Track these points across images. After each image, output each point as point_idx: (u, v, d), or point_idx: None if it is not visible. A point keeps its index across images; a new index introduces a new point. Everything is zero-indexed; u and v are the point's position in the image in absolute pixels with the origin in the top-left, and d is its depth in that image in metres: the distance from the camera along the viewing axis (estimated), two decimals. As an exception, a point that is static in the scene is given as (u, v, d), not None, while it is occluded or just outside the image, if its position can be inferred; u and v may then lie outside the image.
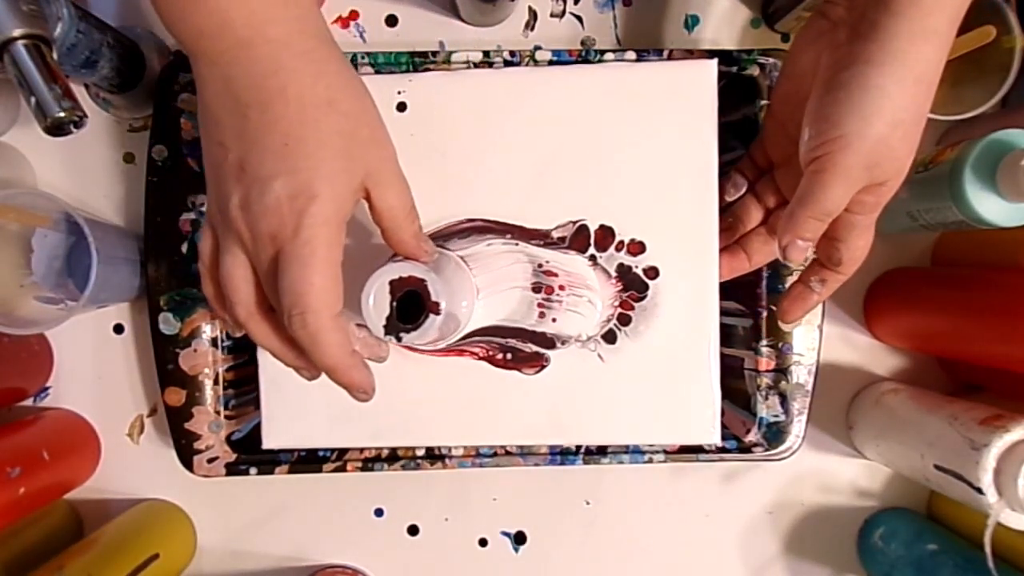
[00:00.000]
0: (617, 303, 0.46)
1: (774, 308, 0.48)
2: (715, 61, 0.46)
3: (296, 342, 0.35)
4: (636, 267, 0.46)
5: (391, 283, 0.38)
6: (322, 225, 0.33)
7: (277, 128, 0.33)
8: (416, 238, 0.38)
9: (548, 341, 0.46)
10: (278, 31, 0.33)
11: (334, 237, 0.34)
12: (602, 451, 0.48)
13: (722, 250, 0.45)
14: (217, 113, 0.34)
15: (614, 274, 0.46)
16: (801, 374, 0.48)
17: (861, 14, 0.34)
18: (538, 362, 0.46)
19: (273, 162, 0.33)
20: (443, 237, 0.46)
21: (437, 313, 0.38)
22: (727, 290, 0.49)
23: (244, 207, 0.34)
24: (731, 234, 0.46)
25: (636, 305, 0.46)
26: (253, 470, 0.48)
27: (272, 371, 0.47)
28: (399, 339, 0.39)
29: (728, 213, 0.46)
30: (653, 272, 0.46)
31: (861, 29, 0.34)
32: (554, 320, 0.46)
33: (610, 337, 0.46)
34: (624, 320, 0.46)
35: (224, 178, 0.34)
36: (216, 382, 0.48)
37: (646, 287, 0.46)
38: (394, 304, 0.38)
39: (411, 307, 0.38)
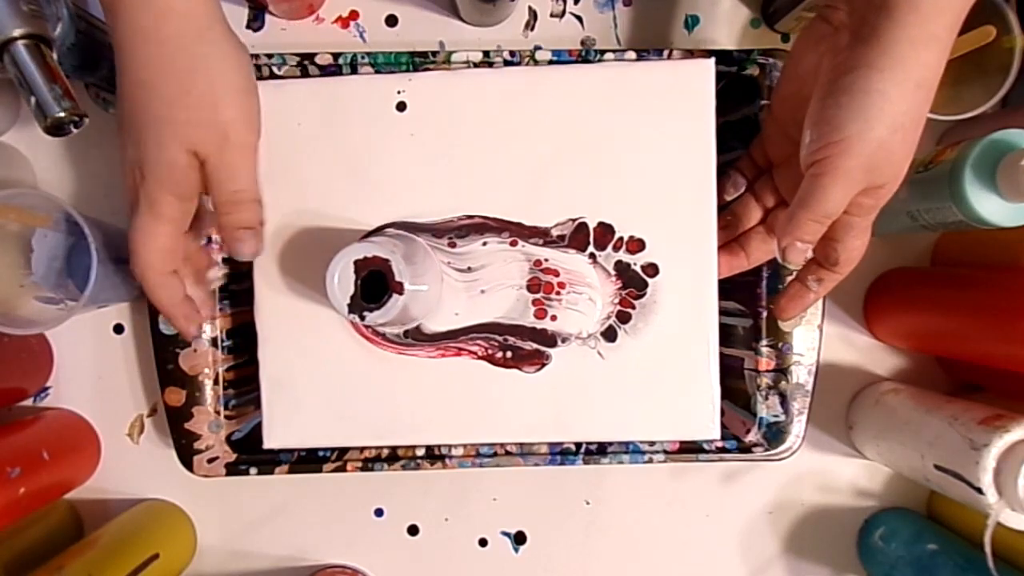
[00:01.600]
0: (617, 301, 0.46)
1: (773, 307, 0.48)
2: (712, 60, 0.46)
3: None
4: (635, 264, 0.46)
5: (355, 263, 0.39)
6: (143, 199, 0.37)
7: (123, 102, 0.36)
8: (232, 228, 0.40)
9: (549, 339, 0.46)
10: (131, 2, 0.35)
11: (158, 208, 0.37)
12: (602, 451, 0.48)
13: (721, 248, 0.46)
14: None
15: (613, 272, 0.46)
16: (801, 374, 0.48)
17: (862, 19, 0.35)
18: (538, 360, 0.46)
19: (123, 132, 0.37)
20: (441, 233, 0.46)
21: (400, 293, 0.39)
22: (727, 290, 0.49)
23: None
24: (730, 232, 0.46)
25: (635, 303, 0.46)
26: (253, 470, 0.48)
27: (273, 371, 0.47)
28: (362, 318, 0.39)
29: (727, 211, 0.46)
30: (652, 270, 0.46)
31: (862, 34, 0.34)
32: (554, 318, 0.46)
33: (610, 334, 0.46)
34: (624, 317, 0.46)
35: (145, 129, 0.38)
36: (216, 382, 0.48)
37: (645, 285, 0.46)
38: (358, 283, 0.39)
39: (376, 288, 0.40)
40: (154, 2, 0.34)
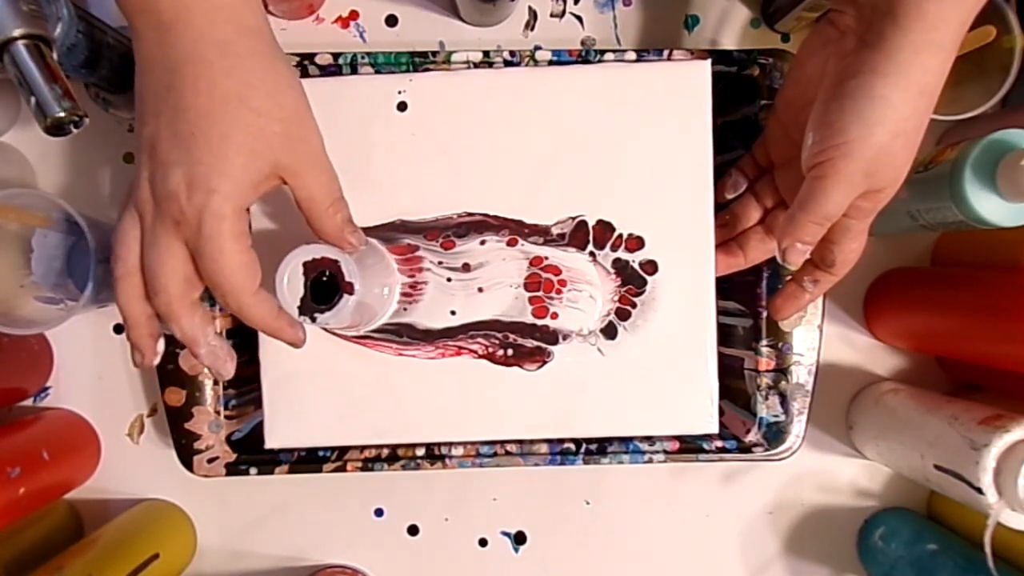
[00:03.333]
0: (616, 298, 0.46)
1: (768, 307, 0.48)
2: (708, 62, 0.46)
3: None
4: (634, 262, 0.46)
5: (304, 264, 0.39)
6: (221, 221, 0.34)
7: (186, 116, 0.34)
8: (338, 229, 0.39)
9: (551, 336, 0.47)
10: (200, 20, 0.34)
11: (236, 228, 0.35)
12: (602, 451, 0.48)
13: (718, 247, 0.46)
14: (141, 88, 0.35)
15: (612, 269, 0.46)
16: (801, 374, 0.48)
17: (868, 24, 0.35)
18: (540, 357, 0.47)
19: (178, 150, 0.34)
20: (437, 233, 0.46)
21: (351, 293, 0.39)
22: (727, 290, 0.49)
23: (151, 184, 0.35)
24: (728, 231, 0.46)
25: (635, 300, 0.46)
26: (253, 470, 0.48)
27: (275, 371, 0.47)
28: (314, 320, 0.39)
29: (726, 211, 0.46)
30: (651, 267, 0.46)
31: (868, 39, 0.35)
32: (556, 315, 0.46)
33: (610, 332, 0.46)
34: (623, 315, 0.46)
35: (140, 151, 0.36)
36: (216, 382, 0.48)
37: (644, 282, 0.46)
38: (308, 285, 0.39)
39: (329, 290, 0.39)
40: (233, 18, 0.34)
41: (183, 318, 0.37)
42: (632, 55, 0.47)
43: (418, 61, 0.47)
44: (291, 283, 0.39)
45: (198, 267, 0.36)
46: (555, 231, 0.46)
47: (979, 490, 0.40)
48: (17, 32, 0.35)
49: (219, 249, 0.34)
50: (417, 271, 0.46)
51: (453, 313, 0.46)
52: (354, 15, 0.52)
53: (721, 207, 0.46)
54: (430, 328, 0.46)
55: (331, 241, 0.39)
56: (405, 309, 0.46)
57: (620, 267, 0.46)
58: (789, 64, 0.41)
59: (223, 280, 0.35)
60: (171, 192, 0.34)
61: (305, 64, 0.47)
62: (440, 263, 0.46)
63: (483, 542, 0.54)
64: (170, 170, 0.34)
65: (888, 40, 0.34)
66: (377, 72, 0.47)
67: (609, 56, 0.47)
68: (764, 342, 0.48)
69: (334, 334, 0.46)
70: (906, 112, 0.34)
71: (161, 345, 0.39)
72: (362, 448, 0.48)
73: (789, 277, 0.43)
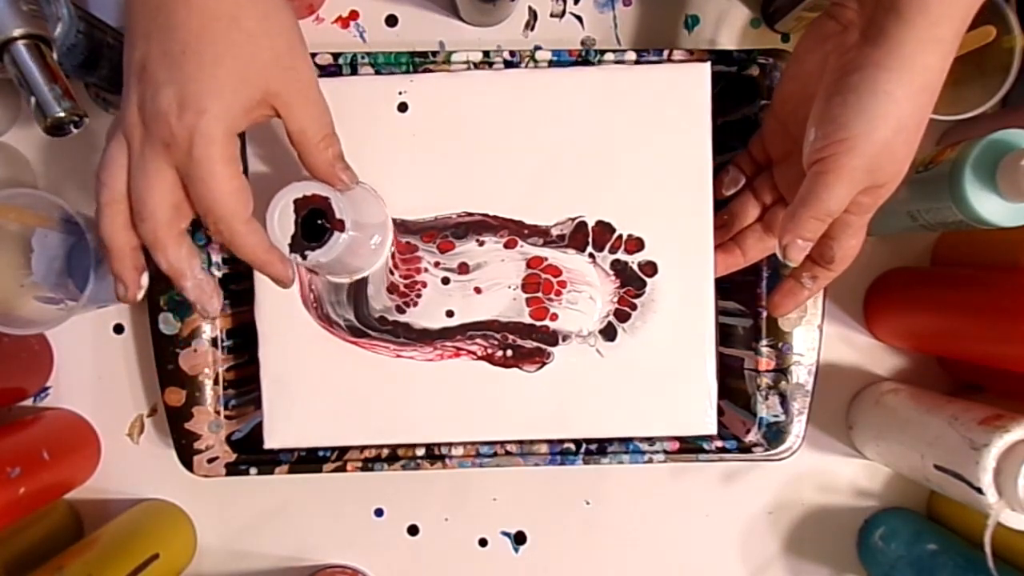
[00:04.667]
0: (615, 299, 0.47)
1: (767, 303, 0.48)
2: (708, 64, 0.46)
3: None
4: (633, 264, 0.46)
5: (295, 202, 0.39)
6: (212, 144, 0.34)
7: (177, 35, 0.33)
8: (330, 165, 0.38)
9: (550, 338, 0.47)
10: None
11: (226, 152, 0.35)
12: (602, 451, 0.48)
13: (717, 246, 0.46)
14: (131, 10, 0.35)
15: (612, 271, 0.46)
16: (801, 374, 0.48)
17: (871, 18, 0.35)
18: (540, 358, 0.47)
19: (168, 69, 0.34)
20: (435, 233, 0.46)
21: (342, 231, 0.39)
22: (727, 290, 0.49)
23: (140, 106, 0.34)
24: (726, 231, 0.46)
25: (633, 301, 0.46)
26: (253, 470, 0.48)
27: (274, 371, 0.47)
28: (304, 257, 0.39)
29: (724, 210, 0.46)
30: (650, 269, 0.46)
31: (870, 33, 0.35)
32: (555, 316, 0.46)
33: (609, 333, 0.47)
34: (622, 316, 0.47)
35: (128, 76, 0.35)
36: (216, 382, 0.48)
37: (644, 284, 0.46)
38: (299, 222, 0.39)
39: (320, 232, 0.39)
40: None
41: (169, 247, 0.36)
42: (632, 55, 0.47)
43: (418, 61, 0.47)
44: (282, 220, 0.39)
45: (188, 193, 0.35)
46: (555, 232, 0.46)
47: (979, 490, 0.40)
48: (17, 32, 0.35)
49: (210, 172, 0.34)
50: (415, 271, 0.46)
51: (451, 314, 0.46)
52: (354, 15, 0.52)
53: (719, 205, 0.46)
54: (427, 328, 0.46)
55: (322, 177, 0.38)
56: (402, 309, 0.46)
57: (619, 268, 0.46)
58: (787, 60, 0.41)
59: (214, 205, 0.35)
60: (161, 112, 0.34)
61: (305, 64, 0.47)
62: (437, 264, 0.46)
63: (483, 542, 0.54)
64: (160, 89, 0.34)
65: (891, 35, 0.33)
66: (377, 72, 0.47)
67: (609, 56, 0.47)
68: (764, 342, 0.48)
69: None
70: (909, 108, 0.34)
71: (145, 279, 0.38)
72: (362, 448, 0.48)
73: (788, 273, 0.43)
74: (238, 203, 0.35)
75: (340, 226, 0.39)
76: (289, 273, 0.39)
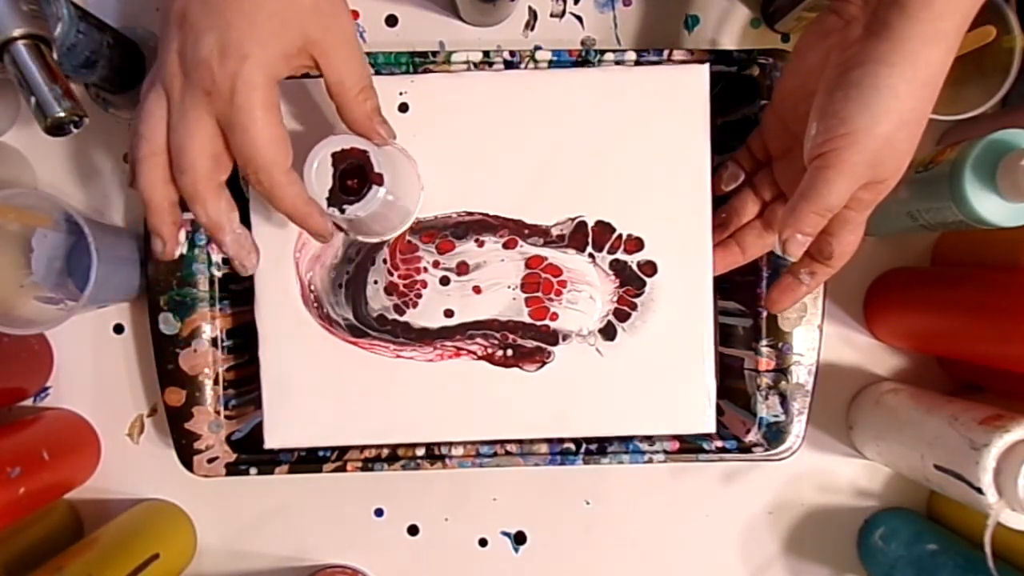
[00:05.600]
0: (615, 299, 0.47)
1: (764, 299, 0.48)
2: (707, 66, 0.46)
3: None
4: (632, 264, 0.46)
5: (333, 155, 0.39)
6: (253, 90, 0.34)
7: None
8: (368, 118, 0.38)
9: (551, 337, 0.47)
10: None
11: (268, 99, 0.35)
12: (602, 451, 0.48)
13: (716, 245, 0.46)
14: None
15: (611, 271, 0.46)
16: (801, 374, 0.48)
17: (874, 13, 0.35)
18: (540, 358, 0.47)
19: (210, 16, 0.34)
20: (438, 230, 0.46)
21: (380, 184, 0.38)
22: (727, 290, 0.49)
23: (181, 55, 0.35)
24: (724, 229, 0.46)
25: (633, 301, 0.46)
26: (253, 470, 0.48)
27: (275, 371, 0.47)
28: (342, 211, 0.39)
29: (722, 208, 0.46)
30: (650, 268, 0.46)
31: (874, 28, 0.35)
32: (556, 316, 0.46)
33: (609, 332, 0.47)
34: (622, 316, 0.47)
35: (168, 26, 0.35)
36: (216, 382, 0.48)
37: (643, 283, 0.46)
38: (336, 176, 0.38)
39: (352, 191, 0.39)
40: None
41: (209, 200, 0.36)
42: (632, 55, 0.47)
43: (418, 61, 0.47)
44: (319, 174, 0.38)
45: (228, 143, 0.35)
46: (555, 232, 0.46)
47: (979, 490, 0.40)
48: (17, 32, 0.35)
49: (251, 118, 0.34)
50: (414, 271, 0.46)
51: (450, 314, 0.46)
52: (354, 15, 0.52)
53: (718, 202, 0.46)
54: (427, 327, 0.46)
55: (360, 130, 0.38)
56: (401, 309, 0.46)
57: (619, 268, 0.47)
58: (789, 56, 0.41)
59: (255, 153, 0.35)
60: (203, 59, 0.34)
61: (305, 64, 0.47)
62: (437, 264, 0.46)
63: (483, 542, 0.54)
64: (202, 36, 0.34)
65: (895, 30, 0.33)
66: (377, 72, 0.47)
67: (609, 57, 0.47)
68: (764, 342, 0.48)
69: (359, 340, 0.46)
70: (911, 103, 0.34)
71: (183, 236, 0.38)
72: (362, 448, 0.48)
73: (786, 269, 0.43)
74: (278, 152, 0.35)
75: (379, 180, 0.38)
76: (329, 226, 0.39)
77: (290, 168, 0.36)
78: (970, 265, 0.50)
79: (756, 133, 0.45)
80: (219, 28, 0.34)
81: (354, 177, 0.39)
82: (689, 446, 0.48)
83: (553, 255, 0.46)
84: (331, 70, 0.37)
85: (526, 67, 0.47)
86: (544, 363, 0.47)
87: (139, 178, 0.36)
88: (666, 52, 0.47)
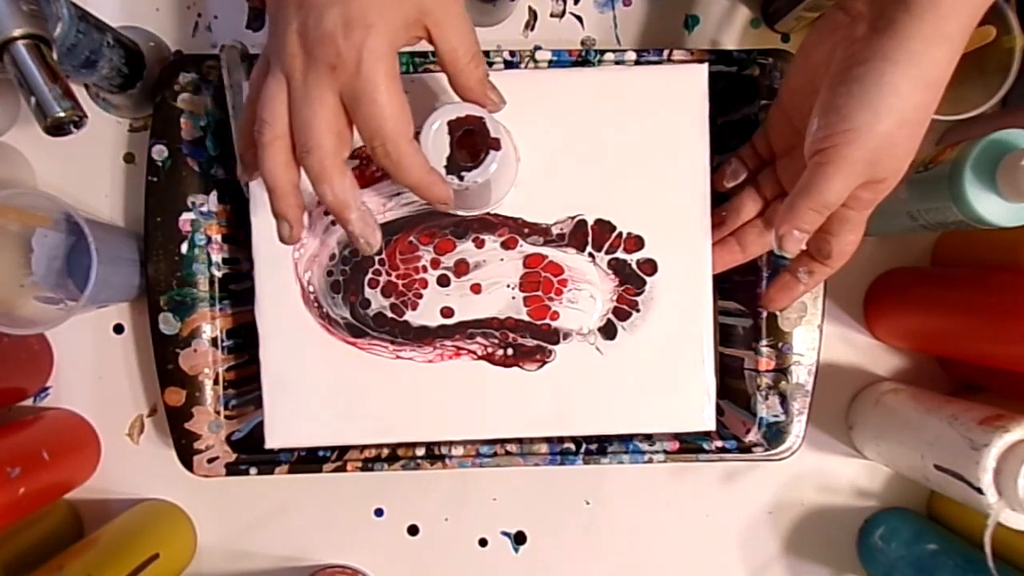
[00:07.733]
0: (615, 298, 0.47)
1: (762, 297, 0.48)
2: (705, 66, 0.46)
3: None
4: (632, 263, 0.46)
5: (449, 123, 0.38)
6: (379, 60, 0.34)
7: None
8: (481, 84, 0.38)
9: (551, 336, 0.47)
10: None
11: (392, 69, 0.35)
12: (602, 451, 0.48)
13: (716, 243, 0.46)
14: None
15: (611, 270, 0.47)
16: (801, 374, 0.48)
17: (880, 11, 0.35)
18: (540, 357, 0.47)
19: None
20: (438, 229, 0.46)
21: (498, 149, 0.38)
22: (727, 290, 0.49)
23: (302, 33, 0.34)
24: (725, 227, 0.46)
25: (633, 300, 0.46)
26: (253, 470, 0.48)
27: (275, 371, 0.47)
28: (461, 178, 0.38)
29: (722, 206, 0.46)
30: (650, 267, 0.46)
31: (879, 26, 0.34)
32: (556, 315, 0.47)
33: (608, 331, 0.47)
34: (622, 314, 0.47)
35: (283, 9, 0.35)
36: (216, 382, 0.48)
37: (643, 282, 0.46)
38: (453, 144, 0.38)
39: (470, 155, 0.39)
40: None
41: (335, 178, 0.36)
42: (632, 55, 0.47)
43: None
44: (436, 143, 0.38)
45: (352, 118, 0.35)
46: (555, 231, 0.46)
47: (979, 490, 0.40)
48: (17, 32, 0.35)
49: (378, 88, 0.34)
50: (413, 271, 0.46)
51: (449, 313, 0.46)
52: (354, 15, 0.52)
53: (720, 199, 0.46)
54: (426, 326, 0.46)
55: (473, 97, 0.38)
56: (400, 310, 0.46)
57: (619, 267, 0.47)
58: (795, 52, 0.41)
59: (383, 123, 0.34)
60: (327, 33, 0.34)
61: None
62: (436, 263, 0.46)
63: (483, 542, 0.54)
64: (325, 11, 0.34)
65: (900, 27, 0.33)
66: (377, 72, 0.47)
67: (609, 56, 0.47)
68: (764, 342, 0.48)
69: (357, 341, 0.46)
70: (913, 102, 0.34)
71: (306, 219, 0.38)
72: (362, 448, 0.48)
73: (784, 268, 0.43)
74: (404, 122, 0.35)
75: (496, 144, 0.38)
76: (450, 193, 0.39)
77: (412, 138, 0.36)
78: (970, 265, 0.50)
79: (761, 130, 0.45)
80: (341, 2, 0.34)
81: (464, 147, 0.39)
82: (689, 446, 0.48)
83: (553, 254, 0.47)
84: (444, 38, 0.36)
85: (526, 67, 0.47)
86: (545, 362, 0.47)
87: (264, 163, 0.36)
88: (666, 52, 0.47)
